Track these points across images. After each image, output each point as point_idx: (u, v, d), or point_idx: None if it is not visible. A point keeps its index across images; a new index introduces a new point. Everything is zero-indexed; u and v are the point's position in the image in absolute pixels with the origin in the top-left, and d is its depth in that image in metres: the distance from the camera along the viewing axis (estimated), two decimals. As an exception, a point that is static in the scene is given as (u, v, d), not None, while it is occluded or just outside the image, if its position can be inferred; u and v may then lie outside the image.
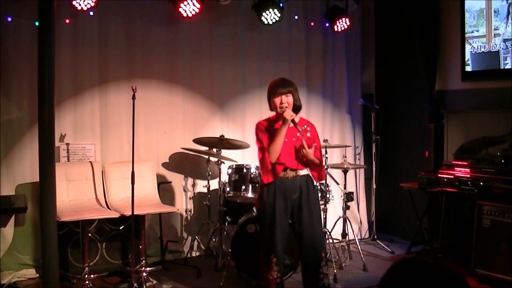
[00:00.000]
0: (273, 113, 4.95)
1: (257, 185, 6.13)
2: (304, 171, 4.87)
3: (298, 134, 4.78)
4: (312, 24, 7.75)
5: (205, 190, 6.70)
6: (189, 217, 7.13)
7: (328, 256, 6.28)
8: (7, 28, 5.96)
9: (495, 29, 6.62)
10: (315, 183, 5.02)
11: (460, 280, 1.74)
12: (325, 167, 6.48)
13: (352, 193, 7.04)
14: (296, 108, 4.87)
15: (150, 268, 6.09)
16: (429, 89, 7.41)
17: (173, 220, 6.99)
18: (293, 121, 4.71)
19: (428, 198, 7.08)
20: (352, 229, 7.06)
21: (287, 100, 4.76)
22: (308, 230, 4.82)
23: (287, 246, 4.99)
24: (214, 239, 6.72)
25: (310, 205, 4.83)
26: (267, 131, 4.85)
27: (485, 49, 6.74)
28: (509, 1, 6.44)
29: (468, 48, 6.93)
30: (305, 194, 4.82)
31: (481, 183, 5.88)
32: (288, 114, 4.68)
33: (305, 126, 4.93)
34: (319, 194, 5.60)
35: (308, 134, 4.89)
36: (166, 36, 6.90)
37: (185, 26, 6.93)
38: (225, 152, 6.58)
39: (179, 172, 7.08)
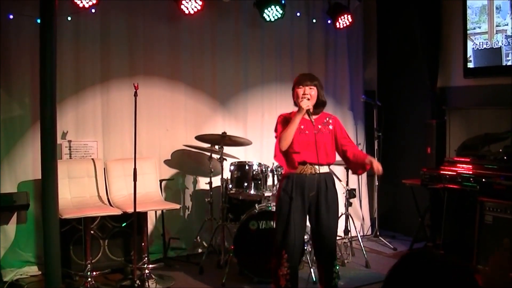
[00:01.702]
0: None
1: (259, 182, 6.13)
2: (324, 168, 4.84)
3: (315, 131, 4.75)
4: (314, 21, 7.74)
5: (207, 187, 6.70)
6: (191, 214, 7.14)
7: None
8: (9, 26, 5.96)
9: (497, 26, 6.61)
10: (334, 180, 4.95)
11: (468, 272, 1.74)
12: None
13: (355, 190, 7.04)
14: (321, 104, 4.85)
15: (153, 265, 6.11)
16: (431, 85, 7.41)
17: (175, 217, 6.99)
18: (308, 112, 4.68)
19: (430, 195, 7.08)
20: (355, 226, 7.06)
21: (310, 92, 4.75)
22: (326, 229, 4.80)
23: None
24: (216, 236, 6.71)
25: (328, 203, 4.78)
26: (286, 121, 4.81)
27: (487, 45, 6.73)
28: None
29: (470, 45, 6.92)
30: (323, 192, 4.77)
31: (483, 180, 5.88)
32: (305, 104, 4.66)
33: (327, 119, 4.89)
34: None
35: (330, 127, 4.85)
36: (168, 33, 6.90)
37: (187, 23, 6.93)
38: (227, 149, 6.58)
39: (181, 169, 7.09)
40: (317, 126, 4.78)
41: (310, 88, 4.76)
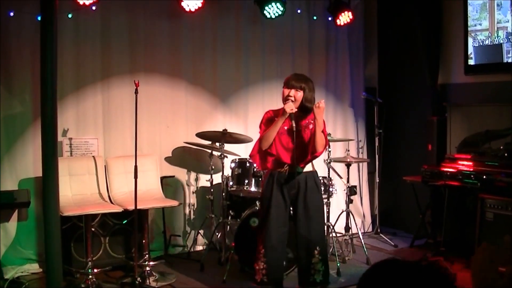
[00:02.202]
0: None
1: (260, 179, 6.14)
2: (307, 167, 4.87)
3: (289, 128, 4.75)
4: (314, 18, 7.74)
5: (208, 184, 6.69)
6: (192, 211, 7.14)
7: (331, 250, 6.31)
8: (9, 23, 5.96)
9: (498, 23, 6.60)
10: (316, 180, 4.95)
11: (445, 279, 1.74)
12: (328, 161, 6.48)
13: (355, 187, 7.03)
14: (304, 109, 4.82)
15: (154, 262, 6.10)
16: (432, 82, 7.40)
17: (176, 214, 7.00)
18: (291, 115, 4.69)
19: (431, 192, 7.08)
20: (355, 223, 7.05)
21: (295, 94, 4.75)
22: (302, 226, 4.84)
23: (290, 240, 5.00)
24: (217, 233, 6.71)
25: (307, 202, 4.81)
26: (270, 121, 4.84)
27: (488, 42, 6.72)
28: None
29: (471, 42, 6.91)
30: (302, 190, 4.82)
31: (484, 177, 5.88)
32: (289, 107, 4.67)
33: (310, 120, 4.87)
34: (322, 189, 5.56)
35: (311, 126, 4.85)
36: (169, 30, 6.89)
37: (188, 21, 6.92)
38: (228, 146, 6.58)
39: (182, 166, 7.09)
40: (298, 129, 4.79)
41: (296, 91, 4.77)
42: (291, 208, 4.93)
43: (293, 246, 5.43)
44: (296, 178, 4.81)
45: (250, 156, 4.99)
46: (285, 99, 4.77)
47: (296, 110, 4.74)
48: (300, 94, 4.77)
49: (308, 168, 4.89)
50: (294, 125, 4.69)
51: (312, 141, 4.78)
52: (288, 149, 4.79)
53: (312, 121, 4.85)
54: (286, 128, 4.79)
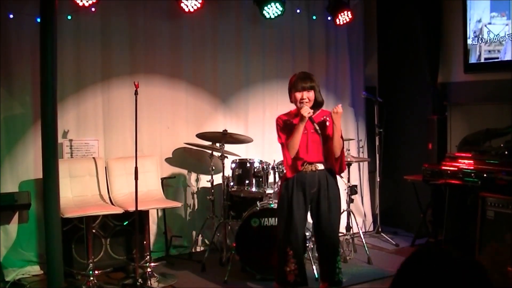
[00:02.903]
0: (293, 106, 4.98)
1: (260, 179, 6.14)
2: (322, 166, 4.87)
3: (313, 131, 4.78)
4: (314, 17, 7.74)
5: (208, 185, 6.69)
6: (193, 212, 7.14)
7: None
8: (9, 25, 5.96)
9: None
10: (335, 177, 4.98)
11: (480, 268, 1.73)
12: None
13: (356, 186, 7.02)
14: (318, 105, 4.87)
15: (155, 264, 6.12)
16: (432, 81, 7.39)
17: (177, 215, 7.00)
18: (310, 118, 4.70)
19: (432, 191, 7.07)
20: (356, 222, 7.06)
21: (308, 95, 4.78)
22: (327, 224, 4.85)
23: None
24: (218, 234, 6.71)
25: (329, 199, 4.84)
26: (286, 126, 4.87)
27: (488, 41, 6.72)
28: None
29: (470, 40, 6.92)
30: (324, 188, 4.83)
31: (485, 175, 5.87)
32: (306, 111, 4.67)
33: (325, 117, 4.91)
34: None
35: (327, 124, 4.86)
36: (169, 31, 6.89)
37: (187, 21, 6.92)
38: (228, 147, 6.58)
39: (183, 167, 7.09)
40: (315, 126, 4.79)
41: (308, 92, 4.79)
42: (311, 206, 4.92)
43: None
44: (316, 176, 4.82)
45: (285, 164, 4.90)
46: (299, 103, 4.77)
47: (312, 110, 4.76)
48: (312, 94, 4.80)
49: (327, 165, 4.89)
50: (317, 127, 4.71)
51: (330, 140, 4.80)
52: (309, 148, 4.81)
53: (326, 118, 4.88)
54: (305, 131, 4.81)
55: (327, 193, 4.83)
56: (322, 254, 5.00)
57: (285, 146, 4.80)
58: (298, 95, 4.79)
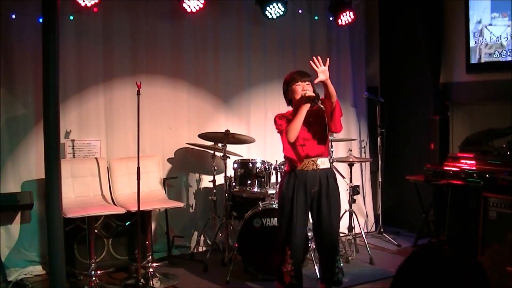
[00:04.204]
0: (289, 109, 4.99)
1: (262, 180, 6.14)
2: (325, 164, 4.86)
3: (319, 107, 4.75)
4: (316, 18, 7.74)
5: (211, 185, 6.69)
6: (195, 212, 7.14)
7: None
8: (11, 25, 5.97)
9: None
10: (335, 177, 4.97)
11: (481, 269, 1.73)
12: (331, 160, 6.47)
13: (358, 186, 7.03)
14: (317, 97, 4.85)
15: (157, 264, 6.12)
16: (434, 81, 7.39)
17: (179, 215, 6.99)
18: (315, 99, 4.70)
19: (434, 191, 7.06)
20: (358, 223, 7.05)
21: (308, 87, 4.82)
22: (327, 223, 4.83)
23: None
24: (220, 234, 6.72)
25: (330, 199, 4.82)
26: (285, 117, 4.88)
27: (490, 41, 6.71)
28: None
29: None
30: (324, 187, 4.81)
31: (487, 175, 5.87)
32: (309, 92, 4.74)
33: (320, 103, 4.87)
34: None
35: (322, 107, 4.78)
36: (170, 31, 6.90)
37: (189, 21, 6.93)
38: (230, 147, 6.58)
39: (185, 167, 7.09)
40: (310, 119, 4.80)
41: (307, 84, 4.84)
42: (311, 205, 4.91)
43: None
44: (317, 175, 4.80)
45: (283, 150, 4.86)
46: (302, 92, 4.80)
47: (314, 95, 4.77)
48: (310, 87, 4.85)
49: (326, 165, 4.89)
50: (322, 106, 4.70)
51: (329, 121, 4.75)
52: (305, 142, 4.79)
53: (321, 105, 4.81)
54: (310, 119, 4.80)
55: (328, 193, 4.82)
56: (322, 254, 5.00)
57: (284, 133, 4.76)
58: (298, 87, 4.84)
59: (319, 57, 4.76)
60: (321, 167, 4.82)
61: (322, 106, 4.70)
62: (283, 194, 4.87)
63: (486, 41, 6.72)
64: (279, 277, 4.89)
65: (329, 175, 4.88)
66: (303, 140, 4.78)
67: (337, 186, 4.96)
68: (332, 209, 4.84)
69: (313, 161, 4.80)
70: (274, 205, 5.86)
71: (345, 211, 6.97)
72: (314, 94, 4.74)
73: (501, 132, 6.41)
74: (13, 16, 5.93)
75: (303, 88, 4.80)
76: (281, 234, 4.88)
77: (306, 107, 4.70)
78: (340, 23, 7.47)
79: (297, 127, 4.70)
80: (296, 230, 4.79)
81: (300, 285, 4.91)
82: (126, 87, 6.55)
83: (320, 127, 4.79)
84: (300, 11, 7.61)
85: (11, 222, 6.03)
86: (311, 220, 5.06)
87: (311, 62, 4.69)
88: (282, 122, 4.85)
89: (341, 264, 4.97)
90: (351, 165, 6.92)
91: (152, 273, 5.84)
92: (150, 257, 5.93)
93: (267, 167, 6.20)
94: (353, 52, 8.14)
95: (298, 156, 4.79)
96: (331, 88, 4.67)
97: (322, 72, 4.68)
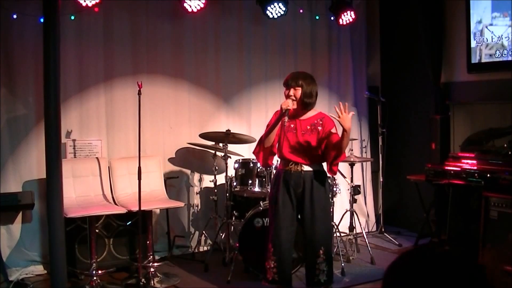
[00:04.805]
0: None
1: (263, 179, 6.15)
2: (311, 166, 4.85)
3: (303, 132, 4.80)
4: (317, 17, 7.74)
5: (211, 185, 6.69)
6: (196, 212, 7.14)
7: (335, 250, 6.30)
8: (12, 25, 5.97)
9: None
10: (323, 179, 4.90)
11: (477, 267, 1.71)
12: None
13: (359, 186, 7.03)
14: (304, 105, 4.83)
15: (158, 263, 6.12)
16: (434, 81, 7.38)
17: (180, 215, 7.00)
18: (286, 112, 4.68)
19: (435, 190, 7.07)
20: (359, 222, 7.05)
21: (295, 92, 4.77)
22: (308, 226, 4.83)
23: (295, 240, 5.00)
24: (221, 234, 6.72)
25: (313, 201, 4.79)
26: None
27: (491, 40, 6.71)
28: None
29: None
30: (308, 190, 4.80)
31: (488, 175, 5.87)
32: (285, 104, 4.69)
33: (319, 120, 4.86)
34: (329, 190, 5.46)
35: (319, 128, 4.81)
36: (171, 31, 6.90)
37: (190, 21, 6.93)
38: (231, 147, 6.58)
39: (186, 167, 7.09)
40: (305, 127, 4.82)
41: (295, 89, 4.79)
42: (297, 206, 4.92)
43: (298, 246, 5.45)
44: (301, 177, 4.80)
45: (253, 153, 5.01)
46: (287, 99, 4.79)
47: (294, 107, 4.77)
48: (298, 92, 4.78)
49: (315, 167, 4.86)
50: (286, 120, 4.71)
51: (330, 145, 4.73)
52: (294, 147, 4.80)
53: (320, 122, 4.83)
54: (292, 126, 4.82)
55: (311, 196, 4.79)
56: (304, 255, 5.05)
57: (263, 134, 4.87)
58: (286, 92, 4.83)
59: (346, 104, 4.69)
60: (305, 169, 4.81)
61: (286, 120, 4.72)
62: (271, 192, 5.01)
63: (487, 40, 6.71)
64: (263, 273, 4.94)
65: (315, 177, 4.83)
66: (283, 146, 4.84)
67: (324, 189, 4.89)
68: (315, 212, 4.80)
69: (295, 164, 4.83)
70: (275, 205, 5.86)
71: (346, 211, 6.98)
72: (289, 105, 4.70)
73: (502, 131, 6.40)
74: (14, 16, 5.92)
75: (288, 94, 4.79)
76: (267, 231, 4.98)
77: (280, 118, 4.74)
78: (341, 22, 7.46)
79: (270, 136, 4.79)
80: (279, 228, 4.82)
81: (285, 282, 4.90)
82: (127, 86, 6.55)
83: (316, 143, 4.80)
84: (301, 11, 7.61)
85: (12, 222, 6.03)
86: None
87: (336, 107, 4.61)
88: (273, 119, 4.90)
89: (325, 267, 4.86)
90: (352, 164, 6.91)
91: (153, 272, 5.84)
92: (151, 257, 5.93)
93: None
94: (354, 51, 8.14)
95: (265, 160, 4.92)
96: (346, 140, 4.64)
97: (347, 120, 4.57)
